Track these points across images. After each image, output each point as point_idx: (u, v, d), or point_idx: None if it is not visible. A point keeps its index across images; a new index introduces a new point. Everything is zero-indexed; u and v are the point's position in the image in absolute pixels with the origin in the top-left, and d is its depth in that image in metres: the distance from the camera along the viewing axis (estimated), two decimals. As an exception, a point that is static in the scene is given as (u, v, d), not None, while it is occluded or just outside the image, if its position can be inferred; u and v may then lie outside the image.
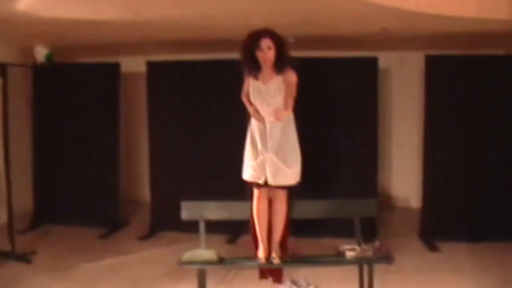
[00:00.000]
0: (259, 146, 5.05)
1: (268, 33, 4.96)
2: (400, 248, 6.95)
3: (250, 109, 5.13)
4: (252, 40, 4.95)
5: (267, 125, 5.03)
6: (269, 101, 5.00)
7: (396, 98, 9.49)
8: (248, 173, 5.15)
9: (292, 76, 4.99)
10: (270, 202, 5.22)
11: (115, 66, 8.17)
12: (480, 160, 7.31)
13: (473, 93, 7.27)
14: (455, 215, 7.39)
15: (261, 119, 5.05)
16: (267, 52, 4.93)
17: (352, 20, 6.55)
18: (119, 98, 8.26)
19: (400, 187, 9.66)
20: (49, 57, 6.58)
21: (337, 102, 7.52)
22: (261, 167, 5.05)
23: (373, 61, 7.42)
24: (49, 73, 7.70)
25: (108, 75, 8.21)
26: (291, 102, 5.00)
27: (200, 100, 7.81)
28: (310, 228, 7.16)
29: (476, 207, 7.32)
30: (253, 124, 5.12)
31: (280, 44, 4.97)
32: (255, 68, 5.03)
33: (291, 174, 5.08)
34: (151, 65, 8.00)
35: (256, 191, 5.17)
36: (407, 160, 9.38)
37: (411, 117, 9.17)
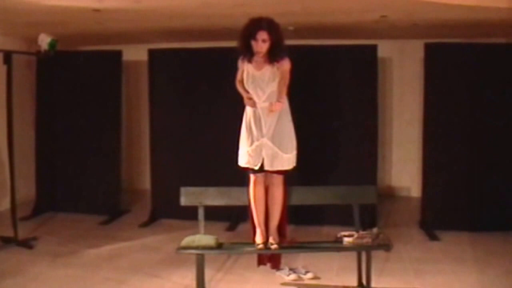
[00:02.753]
0: (255, 132, 5.07)
1: (266, 25, 4.97)
2: (400, 237, 6.97)
3: (244, 95, 5.14)
4: (250, 30, 4.99)
5: (261, 111, 5.05)
6: (263, 87, 5.03)
7: (396, 87, 9.52)
8: (243, 159, 5.18)
9: (286, 64, 5.02)
10: (267, 188, 5.23)
11: (118, 54, 8.18)
12: (480, 149, 7.28)
13: (473, 82, 7.23)
14: (455, 204, 7.37)
15: (254, 106, 5.07)
16: (261, 44, 4.96)
17: (351, 9, 6.53)
18: (121, 86, 8.29)
19: (400, 177, 9.68)
20: (52, 45, 6.56)
21: (337, 90, 7.51)
22: (256, 153, 5.07)
23: (373, 48, 7.42)
24: (53, 61, 7.68)
25: (111, 63, 8.23)
26: (285, 93, 5.03)
27: (201, 88, 7.81)
28: (310, 216, 7.19)
29: (476, 197, 7.30)
30: (248, 110, 5.14)
31: (276, 37, 4.99)
32: (249, 53, 5.06)
33: (288, 159, 5.10)
34: (152, 53, 8.00)
35: (252, 177, 5.19)
36: (407, 149, 9.41)
37: (411, 106, 9.20)
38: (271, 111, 4.95)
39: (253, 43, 4.96)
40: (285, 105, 5.09)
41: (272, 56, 5.00)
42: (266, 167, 5.07)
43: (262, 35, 4.94)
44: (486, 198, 7.28)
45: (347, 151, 7.50)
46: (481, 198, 7.29)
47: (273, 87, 5.00)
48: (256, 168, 5.10)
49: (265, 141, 5.02)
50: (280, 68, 5.00)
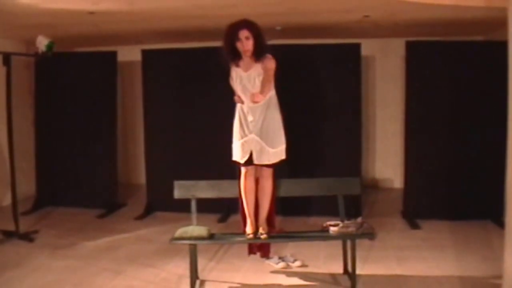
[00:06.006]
0: (244, 128, 5.11)
1: (246, 24, 4.98)
2: (384, 226, 7.01)
3: (236, 94, 5.18)
4: (231, 32, 4.99)
5: (249, 109, 5.08)
6: (249, 88, 5.06)
7: (379, 83, 9.57)
8: (234, 153, 5.21)
9: (270, 63, 5.01)
10: (257, 181, 5.25)
11: (113, 55, 8.16)
12: (459, 142, 7.32)
13: (452, 78, 7.28)
14: (435, 195, 7.42)
15: (242, 102, 5.12)
16: (245, 42, 4.96)
17: (335, 9, 6.55)
18: (116, 85, 8.27)
19: (384, 169, 9.73)
20: (50, 47, 6.55)
21: (322, 87, 7.54)
22: (244, 147, 5.10)
23: (356, 47, 7.43)
24: (50, 62, 7.67)
25: (106, 63, 8.20)
26: (268, 87, 5.03)
27: (192, 87, 7.83)
28: (298, 207, 7.22)
29: (455, 188, 7.34)
30: (239, 107, 5.18)
31: (257, 33, 5.00)
32: (236, 57, 5.08)
33: (275, 154, 5.12)
34: (146, 53, 7.99)
35: (243, 170, 5.20)
36: (390, 143, 9.47)
37: (393, 101, 9.26)
38: (253, 102, 4.98)
39: (238, 44, 4.97)
40: (273, 101, 5.12)
41: (258, 53, 5.00)
42: (255, 161, 5.09)
43: (244, 33, 4.95)
44: (464, 188, 7.33)
45: (332, 145, 7.52)
46: (460, 189, 7.34)
47: (258, 87, 5.02)
48: (242, 161, 5.13)
49: (253, 136, 5.05)
50: (264, 67, 5.00)
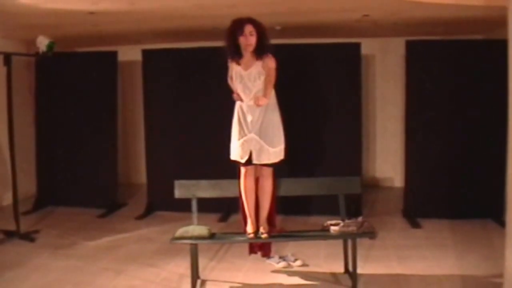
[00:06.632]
0: (243, 127, 5.10)
1: (252, 20, 5.02)
2: (384, 225, 7.01)
3: (235, 92, 5.17)
4: (236, 26, 5.02)
5: (249, 108, 5.07)
6: (250, 86, 5.06)
7: (379, 83, 9.55)
8: (233, 153, 5.20)
9: (271, 62, 5.02)
10: (257, 180, 5.24)
11: (113, 54, 8.15)
12: (459, 141, 7.30)
13: (452, 77, 7.26)
14: (436, 194, 7.40)
15: (242, 100, 5.12)
16: (249, 37, 4.98)
17: (335, 9, 6.55)
18: (117, 85, 8.26)
19: (384, 168, 9.72)
20: (50, 47, 6.55)
21: (323, 86, 7.53)
22: (244, 147, 5.09)
23: (356, 46, 7.42)
24: (51, 62, 7.66)
25: (107, 63, 8.19)
26: (270, 89, 5.04)
27: (192, 86, 7.81)
28: (298, 206, 7.20)
29: (456, 186, 7.33)
30: (238, 106, 5.17)
31: (261, 31, 5.03)
32: (237, 54, 5.07)
33: (275, 153, 5.11)
34: (146, 53, 7.98)
35: (242, 169, 5.19)
36: (390, 142, 9.46)
37: (394, 100, 9.25)
38: (257, 105, 4.97)
39: (241, 39, 4.98)
40: (272, 100, 5.11)
41: (259, 51, 5.01)
42: (254, 161, 5.08)
43: (249, 28, 4.97)
44: (465, 187, 7.31)
45: (333, 144, 7.50)
46: (460, 188, 7.32)
47: (259, 85, 5.03)
48: (243, 161, 5.12)
49: (252, 136, 5.05)
50: (266, 66, 5.00)
